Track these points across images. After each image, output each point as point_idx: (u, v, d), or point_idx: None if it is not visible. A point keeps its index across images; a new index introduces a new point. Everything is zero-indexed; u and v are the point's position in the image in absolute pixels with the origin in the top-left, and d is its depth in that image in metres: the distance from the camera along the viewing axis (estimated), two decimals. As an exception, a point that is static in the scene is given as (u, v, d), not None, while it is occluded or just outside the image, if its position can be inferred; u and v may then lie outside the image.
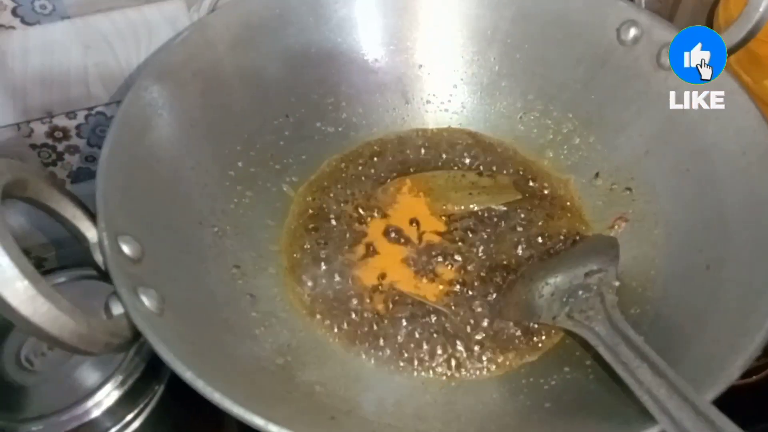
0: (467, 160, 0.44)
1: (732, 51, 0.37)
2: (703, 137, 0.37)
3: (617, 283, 0.33)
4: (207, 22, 0.39)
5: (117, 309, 0.26)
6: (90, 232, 0.29)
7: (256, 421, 0.24)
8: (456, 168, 0.44)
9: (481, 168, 0.44)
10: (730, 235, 0.33)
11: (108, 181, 0.30)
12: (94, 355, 0.24)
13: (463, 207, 0.41)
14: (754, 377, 0.41)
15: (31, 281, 0.22)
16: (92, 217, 0.29)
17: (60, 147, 0.44)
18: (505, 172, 0.43)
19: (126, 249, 0.29)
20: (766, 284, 0.29)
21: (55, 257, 0.49)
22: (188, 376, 0.25)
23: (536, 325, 0.35)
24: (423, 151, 0.45)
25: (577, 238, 0.39)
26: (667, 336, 0.32)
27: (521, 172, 0.43)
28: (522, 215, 0.41)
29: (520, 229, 0.40)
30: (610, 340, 0.30)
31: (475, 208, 0.41)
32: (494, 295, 0.37)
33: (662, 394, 0.26)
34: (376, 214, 0.41)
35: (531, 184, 0.43)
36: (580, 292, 0.33)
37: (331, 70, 0.44)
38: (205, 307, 0.32)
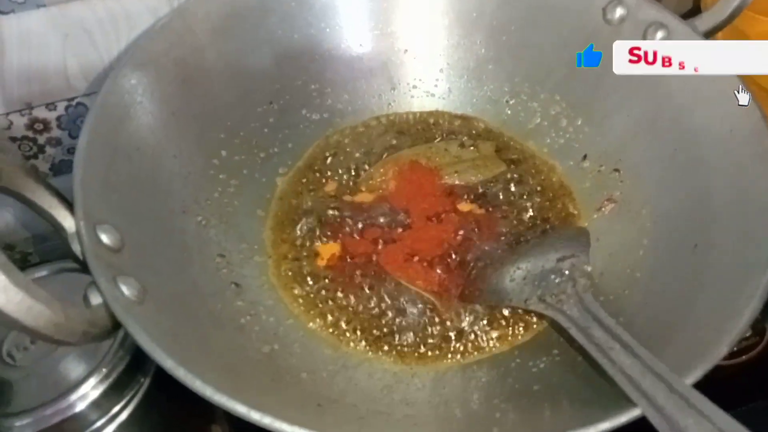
0: (449, 134, 0.44)
1: (718, 29, 0.37)
2: (691, 117, 0.37)
3: (589, 269, 0.33)
4: (188, 8, 0.39)
5: (95, 299, 0.26)
6: (68, 222, 0.29)
7: (238, 408, 0.24)
8: (437, 140, 0.43)
9: (464, 140, 0.43)
10: (718, 215, 0.33)
11: (86, 169, 0.30)
12: (73, 344, 0.24)
13: (449, 182, 0.40)
14: (744, 357, 0.40)
15: (3, 271, 0.21)
16: (70, 206, 0.29)
17: (41, 139, 0.43)
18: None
19: (105, 238, 0.28)
20: (754, 263, 0.29)
21: (40, 251, 0.48)
22: (168, 364, 0.24)
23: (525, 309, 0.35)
24: (408, 131, 0.44)
25: (548, 227, 0.39)
26: (656, 317, 0.32)
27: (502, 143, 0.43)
28: (510, 198, 0.41)
29: (506, 208, 0.40)
30: (582, 322, 0.30)
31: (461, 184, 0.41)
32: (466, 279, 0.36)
33: (636, 373, 0.26)
34: (362, 198, 0.41)
35: (514, 156, 0.43)
36: (552, 276, 0.33)
37: (315, 56, 0.43)
38: (189, 296, 0.32)
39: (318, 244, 0.39)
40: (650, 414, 0.24)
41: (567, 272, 0.33)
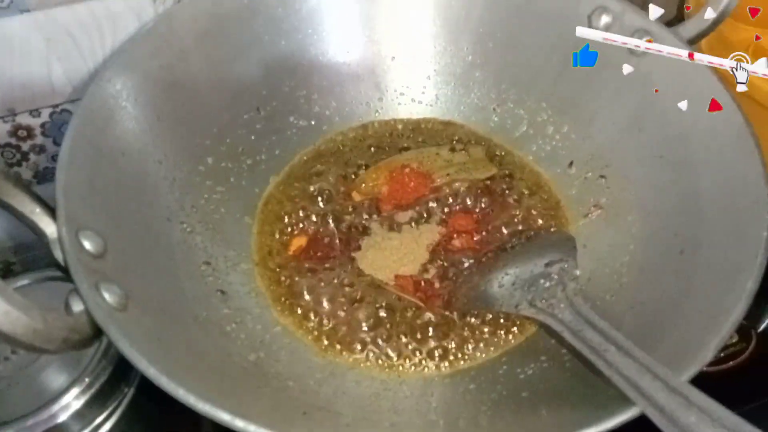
0: (439, 139, 0.44)
1: (702, 35, 0.37)
2: (676, 122, 0.37)
3: (578, 272, 0.33)
4: (173, 13, 0.39)
5: (77, 305, 0.25)
6: (50, 229, 0.28)
7: (222, 416, 0.23)
8: (428, 145, 0.43)
9: (454, 143, 0.44)
10: (705, 218, 0.33)
11: (69, 174, 0.29)
12: (52, 352, 0.23)
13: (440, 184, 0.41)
14: (731, 363, 0.41)
15: (-20, 277, 0.21)
16: (53, 213, 0.28)
17: (24, 146, 0.43)
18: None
19: (87, 244, 0.28)
20: (741, 265, 0.29)
21: (23, 261, 0.47)
22: (151, 372, 0.24)
23: (511, 316, 0.35)
24: (396, 138, 0.44)
25: (532, 233, 0.39)
26: (644, 321, 0.32)
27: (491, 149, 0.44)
28: (497, 204, 0.40)
29: (493, 214, 0.40)
30: (574, 325, 0.29)
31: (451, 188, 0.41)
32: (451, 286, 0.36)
33: (633, 374, 0.25)
34: (352, 202, 0.40)
35: (502, 162, 0.43)
36: (542, 281, 0.33)
37: (302, 62, 0.43)
38: (174, 303, 0.32)
39: (301, 245, 0.38)
40: (652, 413, 0.24)
41: (556, 276, 0.33)
